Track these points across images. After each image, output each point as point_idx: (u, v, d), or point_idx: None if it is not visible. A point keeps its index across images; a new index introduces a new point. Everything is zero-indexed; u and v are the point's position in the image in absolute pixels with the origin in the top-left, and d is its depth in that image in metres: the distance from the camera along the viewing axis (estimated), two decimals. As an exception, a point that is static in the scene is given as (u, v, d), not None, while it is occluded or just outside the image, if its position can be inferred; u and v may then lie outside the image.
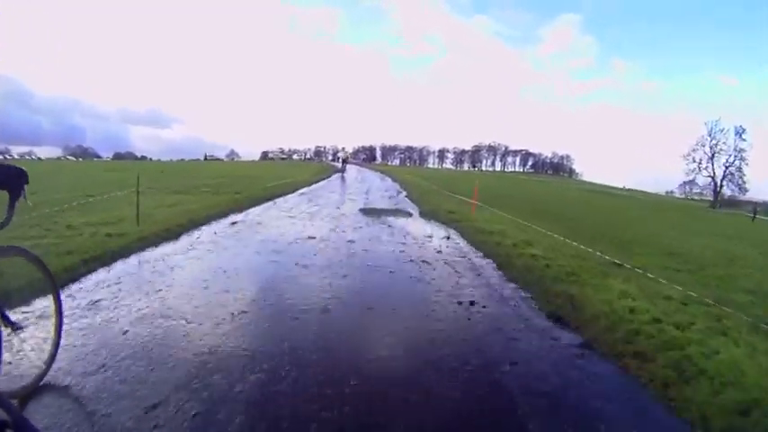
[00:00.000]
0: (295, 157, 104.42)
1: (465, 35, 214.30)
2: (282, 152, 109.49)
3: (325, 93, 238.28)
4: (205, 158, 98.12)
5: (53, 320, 2.96)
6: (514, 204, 20.66)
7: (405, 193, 22.50)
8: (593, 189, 67.47)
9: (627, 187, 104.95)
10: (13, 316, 2.75)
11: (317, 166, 46.50)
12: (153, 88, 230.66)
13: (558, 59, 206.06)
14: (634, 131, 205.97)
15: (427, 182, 31.58)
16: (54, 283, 2.97)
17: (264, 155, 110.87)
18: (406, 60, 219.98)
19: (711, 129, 67.66)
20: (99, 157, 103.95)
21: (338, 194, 20.13)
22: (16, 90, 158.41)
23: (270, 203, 15.03)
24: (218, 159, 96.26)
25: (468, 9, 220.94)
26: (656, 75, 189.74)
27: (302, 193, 19.47)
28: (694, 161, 68.83)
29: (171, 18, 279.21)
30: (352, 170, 46.53)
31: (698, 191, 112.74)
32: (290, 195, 18.37)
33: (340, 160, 70.53)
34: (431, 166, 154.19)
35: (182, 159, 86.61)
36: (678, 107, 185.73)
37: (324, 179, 31.30)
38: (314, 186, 24.26)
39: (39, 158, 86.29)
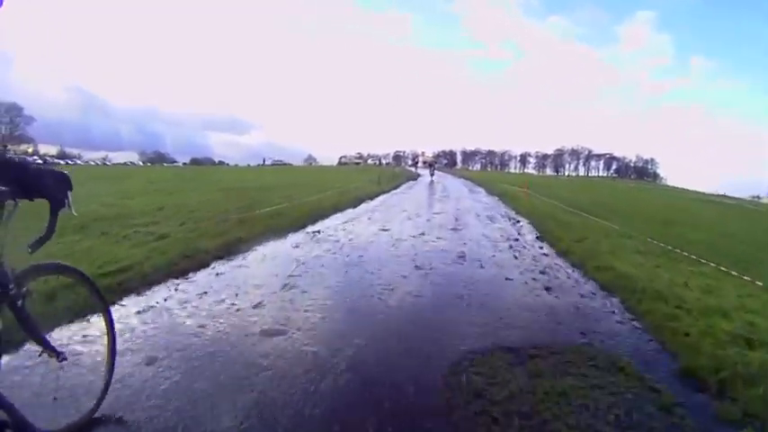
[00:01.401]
0: (370, 161, 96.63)
1: (539, 37, 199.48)
2: (360, 157, 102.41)
3: (405, 97, 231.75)
4: (263, 163, 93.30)
5: (105, 347, 2.50)
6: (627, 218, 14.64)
7: (524, 222, 12.59)
8: (696, 198, 52.53)
9: (722, 193, 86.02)
10: (59, 343, 2.29)
11: (389, 172, 37.76)
12: (232, 95, 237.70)
13: (635, 58, 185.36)
14: (717, 133, 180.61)
15: (535, 195, 21.15)
16: (104, 302, 2.51)
17: (341, 160, 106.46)
18: (483, 64, 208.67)
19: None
20: (175, 162, 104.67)
21: (405, 222, 10.79)
22: (99, 103, 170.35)
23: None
24: (285, 164, 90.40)
25: (540, 11, 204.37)
26: (739, 73, 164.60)
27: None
28: None
29: (252, 25, 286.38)
30: (428, 177, 37.20)
31: None
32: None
33: (418, 165, 61.35)
34: (512, 170, 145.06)
35: (248, 165, 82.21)
36: (762, 106, 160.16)
37: (391, 190, 22.14)
38: (367, 207, 15.00)
39: (104, 163, 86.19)
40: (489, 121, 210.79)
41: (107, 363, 2.47)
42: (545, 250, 8.31)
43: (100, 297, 2.50)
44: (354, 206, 14.68)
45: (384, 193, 20.68)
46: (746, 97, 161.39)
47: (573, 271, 6.52)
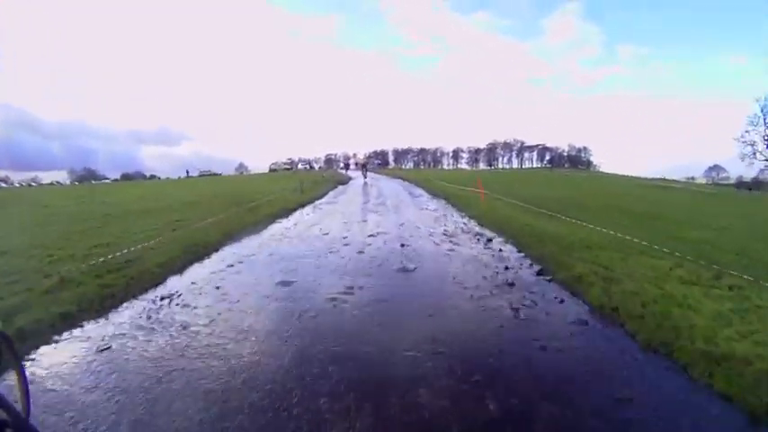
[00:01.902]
0: (300, 166, 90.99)
1: (467, 32, 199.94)
2: (290, 162, 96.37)
3: (333, 100, 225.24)
4: (187, 175, 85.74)
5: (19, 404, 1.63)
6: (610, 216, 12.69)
7: (498, 240, 8.89)
8: (638, 183, 52.54)
9: (660, 176, 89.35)
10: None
11: (317, 177, 33.40)
12: (162, 106, 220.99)
13: (563, 49, 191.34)
14: (647, 118, 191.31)
15: (474, 194, 17.64)
16: (16, 356, 1.77)
17: (270, 167, 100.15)
18: (410, 62, 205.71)
19: (766, 106, 51.54)
20: (106, 178, 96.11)
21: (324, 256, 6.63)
22: (27, 119, 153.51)
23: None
24: (213, 174, 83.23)
25: (466, 5, 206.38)
26: (663, 59, 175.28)
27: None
28: (747, 143, 52.82)
29: (178, 35, 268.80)
30: (360, 179, 33.11)
31: (725, 175, 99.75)
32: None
33: (350, 168, 57.25)
34: (445, 167, 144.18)
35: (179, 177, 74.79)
36: (688, 90, 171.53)
37: (316, 200, 17.81)
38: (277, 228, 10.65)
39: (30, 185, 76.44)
40: (420, 118, 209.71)
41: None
42: (583, 314, 4.54)
43: (12, 352, 1.74)
44: (259, 231, 10.24)
45: (306, 204, 16.31)
46: (677, 82, 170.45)
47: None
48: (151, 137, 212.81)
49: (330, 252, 7.62)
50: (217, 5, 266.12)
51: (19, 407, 1.91)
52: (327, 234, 9.51)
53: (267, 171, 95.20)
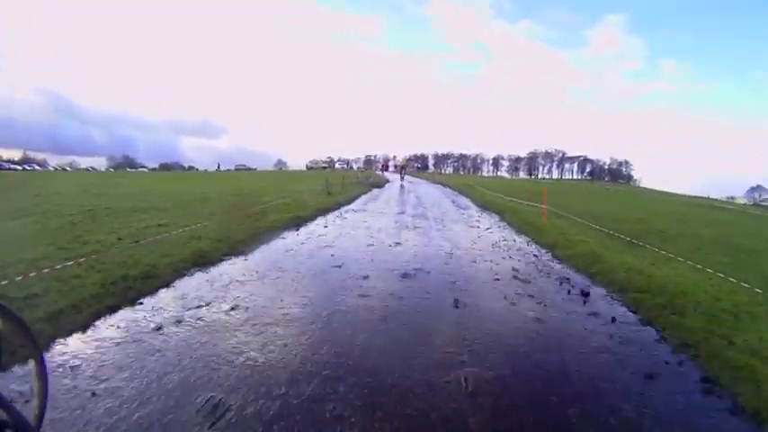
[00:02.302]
0: (337, 165, 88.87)
1: (511, 39, 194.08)
2: (329, 161, 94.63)
3: (376, 101, 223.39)
4: (218, 168, 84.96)
5: (36, 397, 2.04)
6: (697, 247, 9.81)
7: (599, 293, 5.33)
8: (684, 201, 46.89)
9: (706, 195, 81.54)
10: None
11: (350, 177, 30.58)
12: (205, 99, 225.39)
13: (606, 61, 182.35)
14: (686, 135, 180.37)
15: (528, 208, 14.12)
16: (37, 347, 2.14)
17: (308, 164, 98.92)
18: (454, 67, 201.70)
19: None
20: (144, 167, 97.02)
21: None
22: (70, 106, 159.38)
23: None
24: (248, 169, 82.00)
25: (511, 13, 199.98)
26: (709, 75, 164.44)
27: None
28: None
29: (224, 29, 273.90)
30: (398, 183, 29.95)
31: (766, 196, 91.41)
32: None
33: (388, 170, 54.18)
34: (485, 174, 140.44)
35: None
36: (728, 108, 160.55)
37: (345, 205, 14.79)
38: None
39: (64, 169, 77.50)
40: (461, 124, 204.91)
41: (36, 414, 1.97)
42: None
43: (32, 341, 2.11)
44: (247, 253, 7.21)
45: (331, 211, 13.33)
46: (718, 99, 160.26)
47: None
48: (192, 128, 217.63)
49: (331, 314, 4.44)
50: (265, 2, 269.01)
51: (34, 404, 1.82)
52: (340, 267, 6.36)
53: (304, 168, 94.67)
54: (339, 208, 14.29)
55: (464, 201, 18.87)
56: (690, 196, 69.85)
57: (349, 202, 16.35)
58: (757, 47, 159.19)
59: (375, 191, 22.43)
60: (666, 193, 72.06)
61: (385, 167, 52.93)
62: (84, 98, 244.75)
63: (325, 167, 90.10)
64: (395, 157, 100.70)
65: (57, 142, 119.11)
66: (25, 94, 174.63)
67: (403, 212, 13.47)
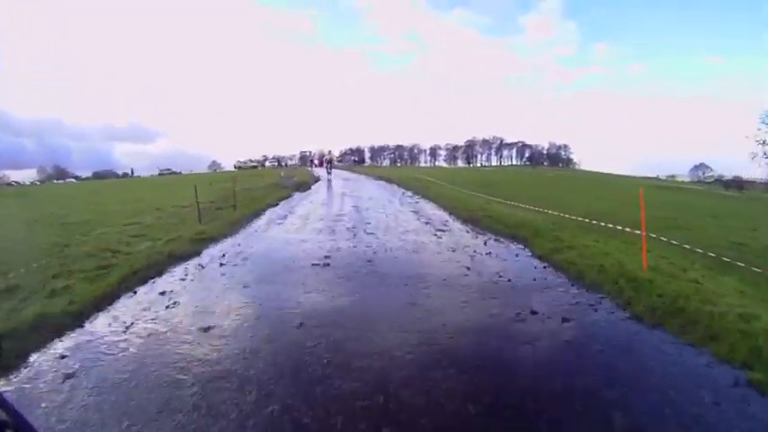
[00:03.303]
0: (268, 164, 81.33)
1: (445, 29, 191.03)
2: (260, 160, 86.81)
3: (309, 97, 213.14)
4: (131, 174, 75.79)
5: None
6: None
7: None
8: (637, 183, 45.07)
9: (655, 176, 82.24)
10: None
11: (270, 178, 24.04)
12: (136, 102, 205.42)
13: (541, 47, 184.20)
14: (621, 116, 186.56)
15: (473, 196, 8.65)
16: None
17: (236, 164, 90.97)
18: (388, 59, 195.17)
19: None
20: (77, 177, 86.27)
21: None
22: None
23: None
24: (173, 173, 72.49)
25: (444, 3, 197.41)
26: (642, 57, 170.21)
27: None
28: (758, 143, 46.70)
29: (152, 29, 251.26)
30: (337, 181, 23.81)
31: (709, 174, 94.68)
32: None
33: (314, 164, 48.03)
34: (423, 164, 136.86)
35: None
36: (662, 89, 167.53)
37: (230, 234, 8.42)
38: None
39: None
40: (397, 116, 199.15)
41: None
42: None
43: None
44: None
45: (206, 247, 7.14)
46: (650, 82, 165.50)
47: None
48: (125, 134, 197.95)
49: None
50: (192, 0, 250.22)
51: None
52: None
53: (233, 168, 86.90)
54: (220, 241, 7.97)
55: (429, 208, 12.97)
56: (638, 177, 68.87)
57: (247, 222, 10.04)
58: (691, 28, 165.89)
59: (296, 196, 16.12)
60: (610, 175, 70.62)
61: (320, 163, 45.85)
62: (16, 107, 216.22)
63: (255, 167, 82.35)
64: (330, 152, 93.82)
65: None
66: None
67: (333, 252, 7.31)
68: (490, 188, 20.84)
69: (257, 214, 11.44)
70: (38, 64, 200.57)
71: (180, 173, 77.68)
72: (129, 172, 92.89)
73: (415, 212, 11.80)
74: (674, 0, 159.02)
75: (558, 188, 24.41)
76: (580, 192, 22.34)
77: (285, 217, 11.07)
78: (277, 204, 13.73)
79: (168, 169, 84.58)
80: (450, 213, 11.65)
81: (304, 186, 20.46)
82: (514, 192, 18.75)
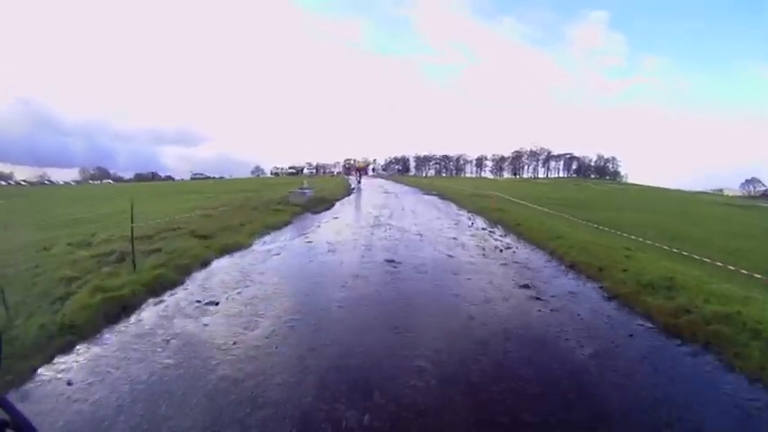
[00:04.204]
0: (306, 171, 77.08)
1: (491, 39, 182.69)
2: (297, 167, 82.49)
3: (355, 105, 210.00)
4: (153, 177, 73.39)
5: None
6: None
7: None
8: (697, 199, 37.48)
9: (704, 190, 71.73)
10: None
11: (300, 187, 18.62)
12: (184, 106, 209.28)
13: (588, 58, 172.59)
14: (670, 129, 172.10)
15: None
16: None
17: (272, 170, 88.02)
18: (434, 69, 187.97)
19: None
20: (121, 178, 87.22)
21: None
22: (47, 117, 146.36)
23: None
24: (206, 178, 68.64)
25: (491, 11, 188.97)
26: (686, 70, 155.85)
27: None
28: None
29: (203, 35, 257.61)
30: (373, 196, 17.62)
31: (763, 188, 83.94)
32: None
33: (352, 174, 41.93)
34: (468, 174, 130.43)
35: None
36: (712, 102, 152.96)
37: None
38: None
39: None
40: (443, 126, 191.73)
41: None
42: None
43: None
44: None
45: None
46: (699, 95, 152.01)
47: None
48: (172, 137, 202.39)
49: None
50: (240, 5, 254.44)
51: None
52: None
53: (273, 174, 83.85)
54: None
55: (548, 270, 6.24)
56: (697, 192, 59.73)
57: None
58: (739, 40, 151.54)
59: (295, 226, 9.86)
60: (663, 189, 61.24)
61: (350, 171, 38.69)
62: (65, 108, 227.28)
63: (293, 173, 78.10)
64: (375, 160, 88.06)
65: (34, 154, 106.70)
66: (2, 104, 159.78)
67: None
68: (578, 210, 14.13)
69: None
70: (89, 64, 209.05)
71: (217, 178, 74.32)
72: (171, 176, 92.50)
73: (528, 287, 5.16)
74: (722, 11, 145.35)
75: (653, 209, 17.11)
76: (628, 207, 15.00)
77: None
78: (274, 234, 7.54)
79: (201, 174, 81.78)
80: (613, 298, 4.90)
81: (323, 204, 14.22)
82: (613, 217, 12.31)
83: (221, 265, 5.99)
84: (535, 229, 8.83)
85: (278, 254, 6.65)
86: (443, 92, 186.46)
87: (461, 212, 13.23)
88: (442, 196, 19.47)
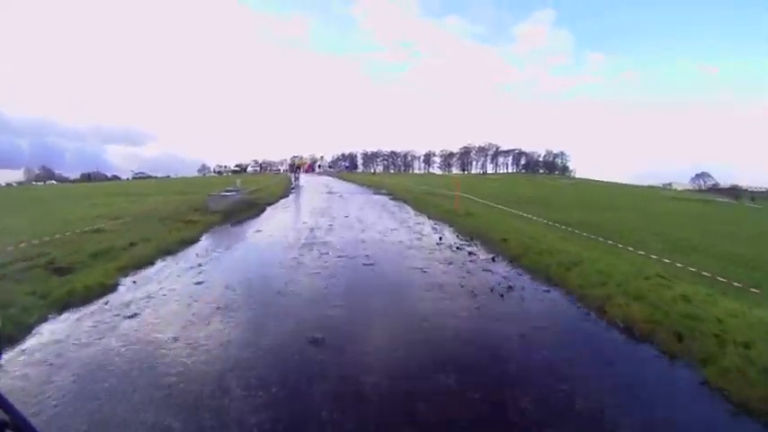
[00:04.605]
0: (250, 169, 73.47)
1: (438, 37, 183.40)
2: (240, 165, 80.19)
3: (302, 103, 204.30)
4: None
5: None
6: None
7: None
8: (649, 193, 38.62)
9: (656, 184, 75.15)
10: None
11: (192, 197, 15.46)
12: (130, 104, 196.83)
13: (534, 56, 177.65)
14: (616, 124, 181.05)
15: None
16: None
17: (215, 168, 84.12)
18: (382, 66, 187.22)
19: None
20: (66, 179, 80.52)
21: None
22: None
23: None
24: (147, 177, 63.51)
25: (438, 11, 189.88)
26: (631, 67, 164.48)
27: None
28: None
29: (146, 31, 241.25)
30: (314, 197, 15.16)
31: (712, 183, 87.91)
32: None
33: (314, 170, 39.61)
34: (416, 171, 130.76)
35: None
36: (659, 97, 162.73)
37: None
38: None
39: None
40: (391, 122, 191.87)
41: None
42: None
43: None
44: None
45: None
46: (643, 90, 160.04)
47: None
48: (118, 136, 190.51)
49: None
50: (185, 3, 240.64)
51: None
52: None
53: (216, 173, 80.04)
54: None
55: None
56: (645, 186, 61.83)
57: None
58: (681, 36, 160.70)
59: (203, 244, 7.24)
60: (614, 184, 63.02)
61: (297, 168, 34.90)
62: (11, 106, 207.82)
63: (236, 171, 73.67)
64: (322, 157, 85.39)
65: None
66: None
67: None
68: (546, 209, 12.59)
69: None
70: (33, 62, 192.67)
71: (160, 177, 68.98)
72: (117, 176, 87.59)
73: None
74: (667, 9, 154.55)
75: (613, 206, 15.95)
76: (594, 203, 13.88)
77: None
78: (103, 296, 4.69)
79: (143, 173, 76.00)
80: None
81: (251, 210, 11.62)
82: (587, 218, 10.75)
83: (33, 344, 3.28)
84: (534, 250, 6.46)
85: (134, 315, 3.93)
86: (391, 89, 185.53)
87: (421, 219, 10.97)
88: (394, 196, 17.23)
